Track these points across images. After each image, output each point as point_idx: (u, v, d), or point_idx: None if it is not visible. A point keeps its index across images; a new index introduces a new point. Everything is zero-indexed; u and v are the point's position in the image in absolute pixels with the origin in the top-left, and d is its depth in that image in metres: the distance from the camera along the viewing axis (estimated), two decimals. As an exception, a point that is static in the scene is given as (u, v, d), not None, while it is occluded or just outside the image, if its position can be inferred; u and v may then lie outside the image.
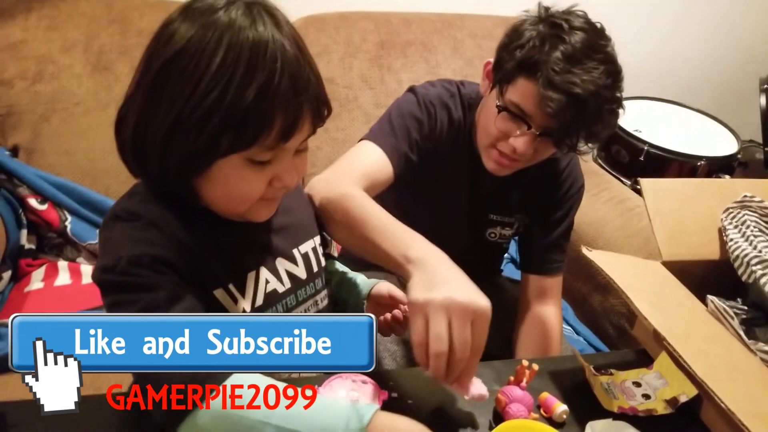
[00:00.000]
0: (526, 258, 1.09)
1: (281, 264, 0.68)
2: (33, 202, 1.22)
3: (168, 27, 0.56)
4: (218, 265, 0.62)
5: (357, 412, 0.53)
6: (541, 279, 1.06)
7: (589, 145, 0.90)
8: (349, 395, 0.63)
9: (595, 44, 0.84)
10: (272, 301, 0.66)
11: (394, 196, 0.99)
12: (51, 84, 1.29)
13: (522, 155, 0.89)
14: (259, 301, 0.65)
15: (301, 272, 0.70)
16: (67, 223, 1.23)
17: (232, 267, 0.63)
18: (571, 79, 0.81)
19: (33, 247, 1.23)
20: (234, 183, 0.58)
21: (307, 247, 0.72)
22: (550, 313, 1.05)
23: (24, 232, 1.21)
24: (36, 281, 1.20)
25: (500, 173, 0.95)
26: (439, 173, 1.00)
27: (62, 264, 1.23)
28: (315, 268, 0.73)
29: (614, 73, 0.84)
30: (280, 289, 0.67)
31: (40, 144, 1.29)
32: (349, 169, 0.85)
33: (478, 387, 0.63)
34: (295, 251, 0.71)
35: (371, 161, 0.88)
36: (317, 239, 0.75)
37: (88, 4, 1.36)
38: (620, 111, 0.87)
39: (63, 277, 1.21)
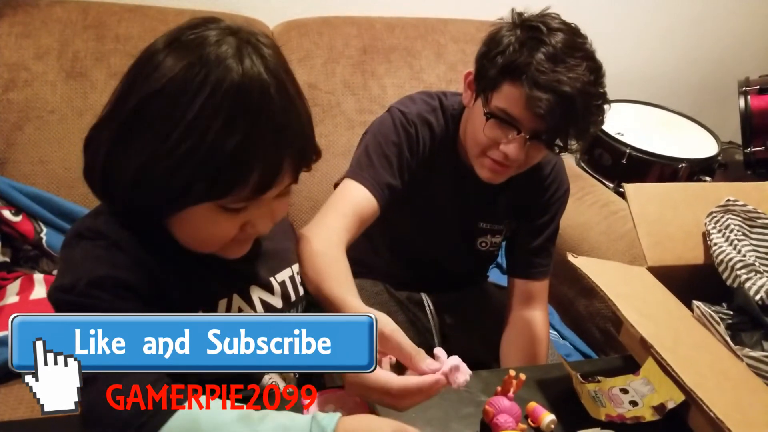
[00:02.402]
0: (514, 263, 1.09)
1: (255, 292, 0.66)
2: (7, 213, 1.18)
3: (154, 57, 0.53)
4: (185, 293, 0.59)
5: (318, 424, 0.50)
6: (528, 283, 1.06)
7: (579, 143, 0.90)
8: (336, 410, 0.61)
9: (574, 43, 0.84)
10: None
11: (383, 216, 0.98)
12: (24, 92, 1.25)
13: (514, 161, 0.88)
14: None
15: (276, 301, 0.68)
16: (42, 234, 1.19)
17: (200, 294, 0.61)
18: (557, 78, 0.81)
19: (7, 260, 1.19)
20: (204, 227, 0.57)
21: (284, 275, 0.70)
22: (537, 317, 1.05)
23: (-3, 244, 1.18)
24: (11, 295, 1.16)
25: (495, 181, 0.94)
26: (425, 188, 1.00)
27: (38, 277, 1.19)
28: (292, 297, 0.70)
29: (596, 69, 0.85)
30: None
31: (13, 153, 1.25)
32: (336, 215, 0.84)
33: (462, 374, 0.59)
34: (272, 279, 0.68)
35: (356, 202, 0.88)
36: (295, 267, 0.73)
37: (62, 9, 1.32)
38: (606, 107, 0.88)
39: (39, 291, 1.17)
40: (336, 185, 0.93)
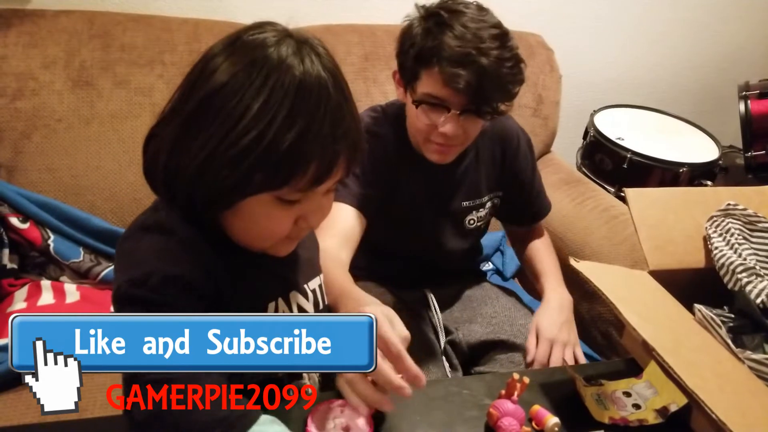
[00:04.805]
0: (517, 219, 1.19)
1: (294, 297, 0.67)
2: (14, 221, 1.20)
3: (212, 60, 0.55)
4: (237, 294, 0.60)
5: None
6: (534, 224, 1.19)
7: (507, 104, 0.95)
8: (336, 423, 0.61)
9: (476, 17, 0.89)
10: None
11: (373, 229, 1.01)
12: (32, 101, 1.27)
13: (454, 138, 0.93)
14: None
15: (310, 308, 0.69)
16: (49, 241, 1.21)
17: (251, 296, 0.62)
18: (466, 52, 0.86)
19: (15, 266, 1.20)
20: (260, 220, 0.58)
21: (315, 283, 0.72)
22: (544, 238, 1.20)
23: (6, 251, 1.18)
24: (18, 301, 1.17)
25: (446, 161, 1.00)
26: (401, 192, 1.04)
27: (45, 283, 1.20)
28: (320, 306, 0.72)
29: (502, 35, 0.90)
30: None
31: (21, 161, 1.27)
32: (327, 236, 0.89)
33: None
34: (306, 286, 0.70)
35: (344, 222, 0.94)
36: (322, 276, 0.75)
37: (68, 19, 1.34)
38: (522, 65, 0.92)
39: (46, 297, 1.18)
40: None
